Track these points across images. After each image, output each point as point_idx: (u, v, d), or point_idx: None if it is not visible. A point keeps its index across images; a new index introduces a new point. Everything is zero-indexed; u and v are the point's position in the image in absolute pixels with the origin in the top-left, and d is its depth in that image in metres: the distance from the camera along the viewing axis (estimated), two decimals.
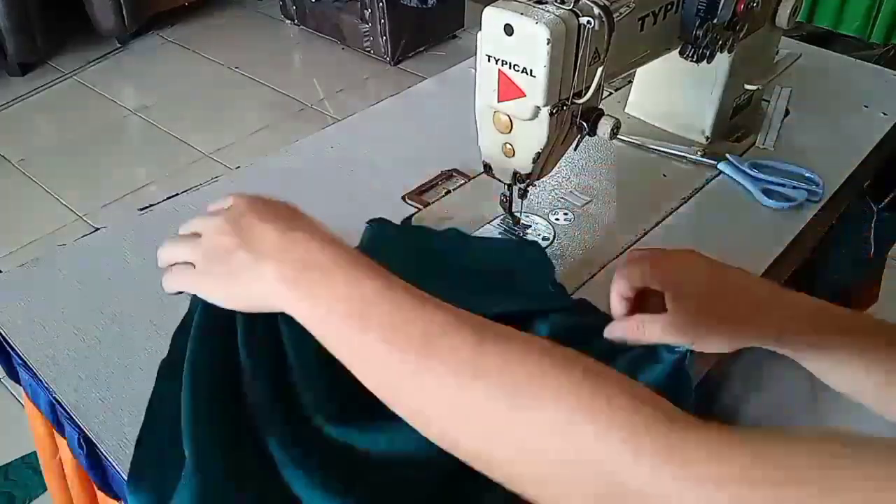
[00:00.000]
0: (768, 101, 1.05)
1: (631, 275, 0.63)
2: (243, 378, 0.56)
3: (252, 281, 0.52)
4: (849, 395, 0.61)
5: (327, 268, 0.50)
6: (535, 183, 0.77)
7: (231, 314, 0.55)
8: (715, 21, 0.79)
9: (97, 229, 0.84)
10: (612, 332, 0.64)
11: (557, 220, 0.85)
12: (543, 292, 0.73)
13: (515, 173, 0.74)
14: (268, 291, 0.51)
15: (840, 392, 0.61)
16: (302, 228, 0.53)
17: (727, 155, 0.93)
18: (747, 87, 0.97)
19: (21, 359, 0.69)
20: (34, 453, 1.42)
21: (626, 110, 1.03)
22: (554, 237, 0.83)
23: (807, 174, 0.91)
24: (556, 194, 0.89)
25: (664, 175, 0.93)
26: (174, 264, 0.58)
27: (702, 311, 0.60)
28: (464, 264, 0.75)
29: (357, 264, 0.51)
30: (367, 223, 0.79)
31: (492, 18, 0.65)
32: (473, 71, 0.71)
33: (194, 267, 0.56)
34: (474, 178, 0.91)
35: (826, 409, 0.74)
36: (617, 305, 0.65)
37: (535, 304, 0.68)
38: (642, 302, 0.64)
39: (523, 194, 0.78)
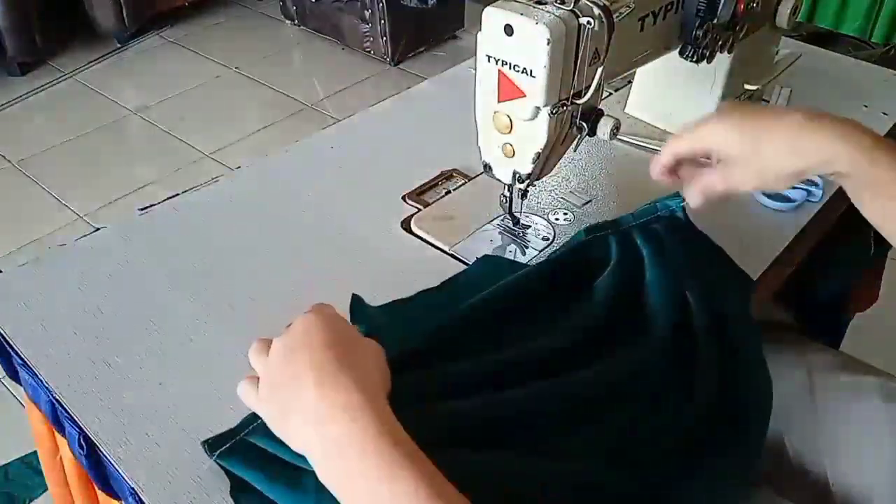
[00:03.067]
0: (768, 101, 1.05)
1: (681, 147, 0.67)
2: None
3: (300, 429, 0.52)
4: (882, 227, 0.62)
5: (357, 457, 0.48)
6: (535, 183, 0.77)
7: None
8: (715, 21, 0.79)
9: (97, 229, 0.84)
10: (696, 203, 0.68)
11: (557, 220, 0.85)
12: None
13: (515, 173, 0.74)
14: (300, 447, 0.52)
15: (875, 225, 0.62)
16: (345, 389, 0.51)
17: None
18: (747, 87, 0.97)
19: (21, 359, 0.69)
20: (34, 453, 1.42)
21: (626, 110, 1.03)
22: (554, 237, 0.83)
23: None
24: (556, 194, 0.89)
25: None
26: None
27: (748, 168, 0.63)
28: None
29: (390, 459, 0.48)
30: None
31: (492, 19, 0.65)
32: (473, 71, 0.71)
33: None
34: (474, 178, 0.91)
35: (824, 408, 0.75)
36: (657, 171, 0.70)
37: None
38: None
39: (523, 194, 0.78)
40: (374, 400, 0.50)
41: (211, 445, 0.59)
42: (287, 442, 0.53)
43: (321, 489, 0.51)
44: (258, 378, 0.56)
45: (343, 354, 0.53)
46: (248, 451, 0.58)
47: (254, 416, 0.60)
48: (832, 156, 0.59)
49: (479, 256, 0.78)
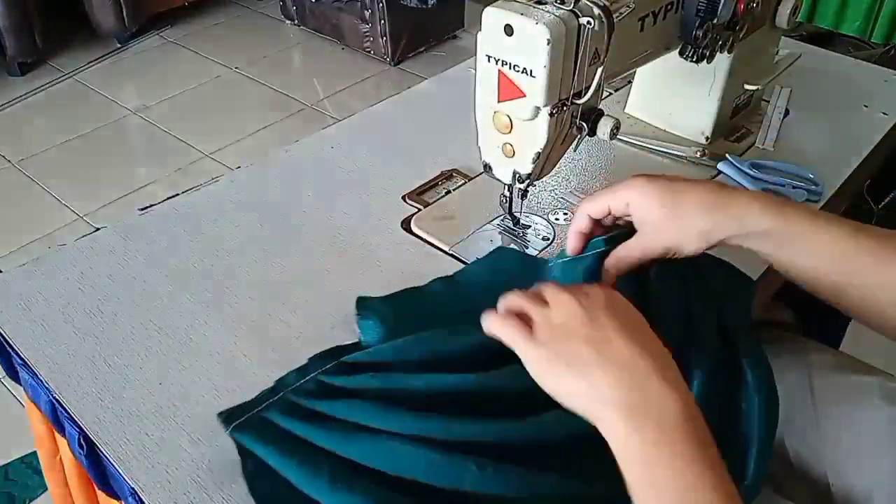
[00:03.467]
0: (768, 101, 1.05)
1: (596, 205, 0.66)
2: None
3: (578, 382, 0.52)
4: (810, 280, 0.62)
5: (663, 428, 0.49)
6: (535, 183, 0.77)
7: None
8: (715, 21, 0.79)
9: (97, 229, 0.84)
10: (609, 278, 0.66)
11: (557, 220, 0.85)
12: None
13: (515, 173, 0.74)
14: (593, 400, 0.51)
15: (802, 282, 0.62)
16: (651, 356, 0.52)
17: (727, 155, 0.93)
18: (747, 87, 0.97)
19: (21, 359, 0.69)
20: (34, 453, 1.42)
21: (626, 110, 1.03)
22: (554, 237, 0.83)
23: (807, 174, 0.91)
24: (556, 194, 0.89)
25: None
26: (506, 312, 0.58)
27: (666, 225, 0.63)
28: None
29: (697, 441, 0.48)
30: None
31: (492, 19, 0.65)
32: (473, 71, 0.71)
33: (530, 328, 0.56)
34: (474, 178, 0.91)
35: (824, 408, 0.74)
36: (579, 238, 0.69)
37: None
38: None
39: (523, 194, 0.78)
40: (685, 389, 0.51)
41: (227, 419, 0.59)
42: (547, 385, 0.53)
43: (336, 468, 0.51)
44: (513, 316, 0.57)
45: (642, 333, 0.54)
46: (264, 426, 0.58)
47: (271, 392, 0.61)
48: (747, 213, 0.61)
49: (492, 250, 0.78)
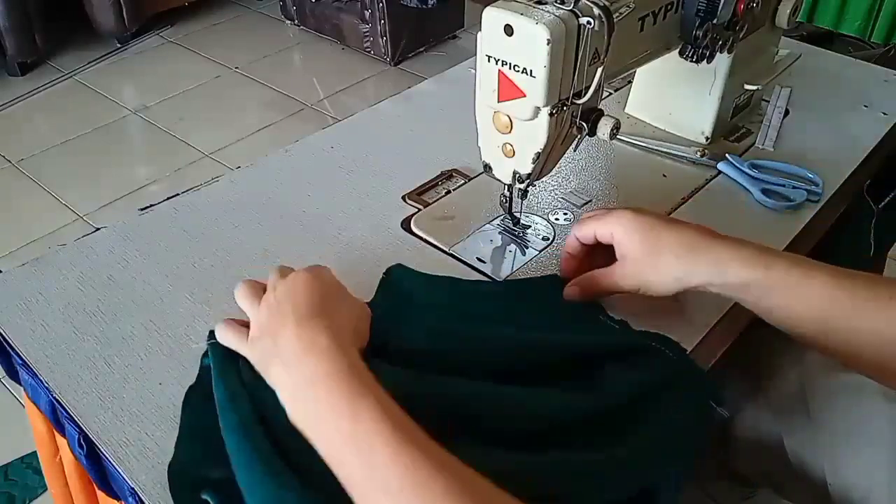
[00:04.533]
0: (768, 101, 1.05)
1: (582, 231, 0.70)
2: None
3: (268, 372, 0.57)
4: (792, 328, 0.63)
5: (323, 396, 0.52)
6: (535, 183, 0.77)
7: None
8: (715, 21, 0.79)
9: (97, 229, 0.84)
10: (570, 293, 0.70)
11: (557, 220, 0.85)
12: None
13: (515, 173, 0.75)
14: (276, 388, 0.56)
15: (783, 328, 0.63)
16: (317, 333, 0.56)
17: (727, 155, 0.93)
18: (747, 87, 0.97)
19: (21, 359, 0.69)
20: (34, 453, 1.42)
21: (626, 110, 1.03)
22: (554, 237, 0.83)
23: (806, 174, 0.91)
24: (556, 194, 0.89)
25: (664, 175, 0.93)
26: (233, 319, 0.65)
27: (643, 262, 0.65)
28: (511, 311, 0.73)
29: (353, 398, 0.51)
30: (391, 269, 0.77)
31: (492, 19, 0.65)
32: (473, 71, 0.71)
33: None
34: (474, 178, 0.91)
35: (823, 408, 0.74)
36: (568, 260, 0.72)
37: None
38: (589, 263, 0.71)
39: (523, 194, 0.78)
40: (342, 346, 0.54)
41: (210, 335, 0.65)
42: (270, 384, 0.57)
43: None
44: (240, 322, 0.63)
45: (322, 303, 0.58)
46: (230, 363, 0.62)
47: None
48: (728, 263, 0.62)
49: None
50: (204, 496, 0.55)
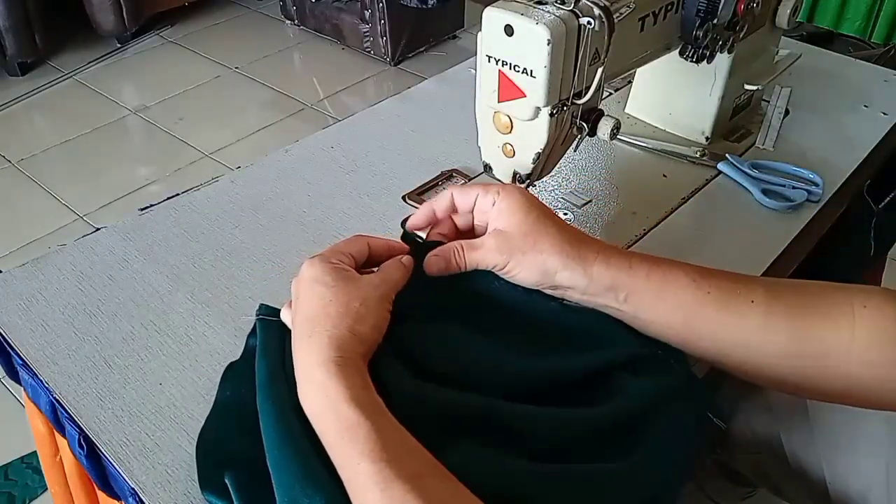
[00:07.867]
0: (768, 101, 1.05)
1: (463, 194, 0.65)
2: None
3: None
4: (658, 333, 0.61)
5: (326, 434, 0.53)
6: (535, 183, 0.77)
7: None
8: (715, 21, 0.79)
9: (97, 229, 0.84)
10: (431, 265, 0.64)
11: None
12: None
13: (515, 173, 0.75)
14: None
15: (651, 333, 0.61)
16: (323, 335, 0.56)
17: (727, 155, 0.93)
18: (747, 87, 0.97)
19: (21, 359, 0.69)
20: (34, 453, 1.42)
21: (626, 110, 1.03)
22: None
23: (807, 174, 0.91)
24: (556, 194, 0.89)
25: (664, 175, 0.93)
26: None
27: (519, 240, 0.61)
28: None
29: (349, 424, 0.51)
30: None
31: (492, 19, 0.65)
32: (473, 71, 0.71)
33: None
34: (474, 178, 0.91)
35: (822, 409, 0.74)
36: (422, 214, 0.69)
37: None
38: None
39: None
40: (340, 373, 0.53)
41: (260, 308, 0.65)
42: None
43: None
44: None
45: (325, 310, 0.57)
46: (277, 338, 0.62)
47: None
48: (593, 262, 0.60)
49: None
50: (225, 479, 0.55)
